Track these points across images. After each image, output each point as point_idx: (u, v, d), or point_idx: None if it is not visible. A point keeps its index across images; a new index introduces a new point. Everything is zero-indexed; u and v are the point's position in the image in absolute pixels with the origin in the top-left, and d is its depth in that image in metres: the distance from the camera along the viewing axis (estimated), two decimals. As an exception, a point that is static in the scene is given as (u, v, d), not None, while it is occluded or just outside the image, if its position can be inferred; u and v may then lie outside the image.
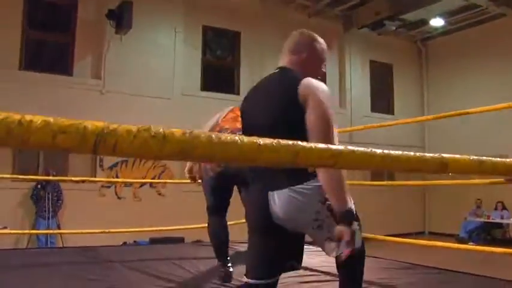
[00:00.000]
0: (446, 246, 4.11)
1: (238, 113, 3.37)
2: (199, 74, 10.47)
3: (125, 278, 3.39)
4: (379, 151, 0.83)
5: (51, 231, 7.68)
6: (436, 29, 12.41)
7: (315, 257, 3.82)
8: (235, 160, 0.68)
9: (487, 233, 11.20)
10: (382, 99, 13.22)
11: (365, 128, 5.75)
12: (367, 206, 6.31)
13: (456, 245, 4.90)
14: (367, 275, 3.53)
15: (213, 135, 0.63)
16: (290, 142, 0.71)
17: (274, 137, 0.72)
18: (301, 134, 1.80)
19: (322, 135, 1.80)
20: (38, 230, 7.79)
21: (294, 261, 2.09)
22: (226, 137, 0.64)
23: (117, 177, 9.06)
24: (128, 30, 8.84)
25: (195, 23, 10.29)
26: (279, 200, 1.96)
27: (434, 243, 4.44)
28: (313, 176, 1.87)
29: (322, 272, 3.60)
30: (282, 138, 0.73)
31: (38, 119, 0.52)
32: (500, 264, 2.72)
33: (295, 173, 1.89)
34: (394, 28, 11.21)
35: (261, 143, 0.67)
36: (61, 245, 7.85)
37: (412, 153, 0.90)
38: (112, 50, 9.10)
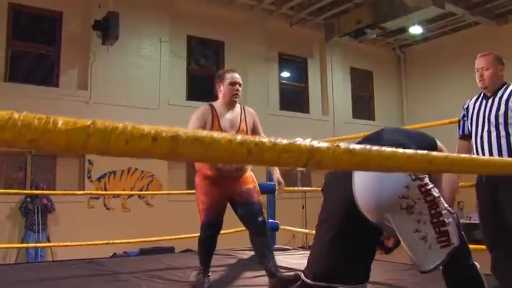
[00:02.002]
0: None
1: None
2: (185, 84, 10.51)
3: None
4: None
5: (44, 245, 7.56)
6: (414, 36, 12.74)
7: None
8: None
9: (469, 234, 11.48)
10: (363, 106, 13.47)
11: (348, 138, 5.87)
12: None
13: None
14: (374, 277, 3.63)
15: (380, 150, 0.71)
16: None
17: None
18: None
19: None
20: (27, 243, 7.68)
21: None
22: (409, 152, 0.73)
23: (105, 188, 9.01)
24: (115, 41, 8.82)
25: (180, 32, 10.33)
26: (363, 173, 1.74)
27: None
28: None
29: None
30: None
31: (266, 140, 0.59)
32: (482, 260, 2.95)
33: None
34: (374, 36, 11.45)
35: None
36: (51, 259, 7.75)
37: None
38: (98, 60, 9.07)
